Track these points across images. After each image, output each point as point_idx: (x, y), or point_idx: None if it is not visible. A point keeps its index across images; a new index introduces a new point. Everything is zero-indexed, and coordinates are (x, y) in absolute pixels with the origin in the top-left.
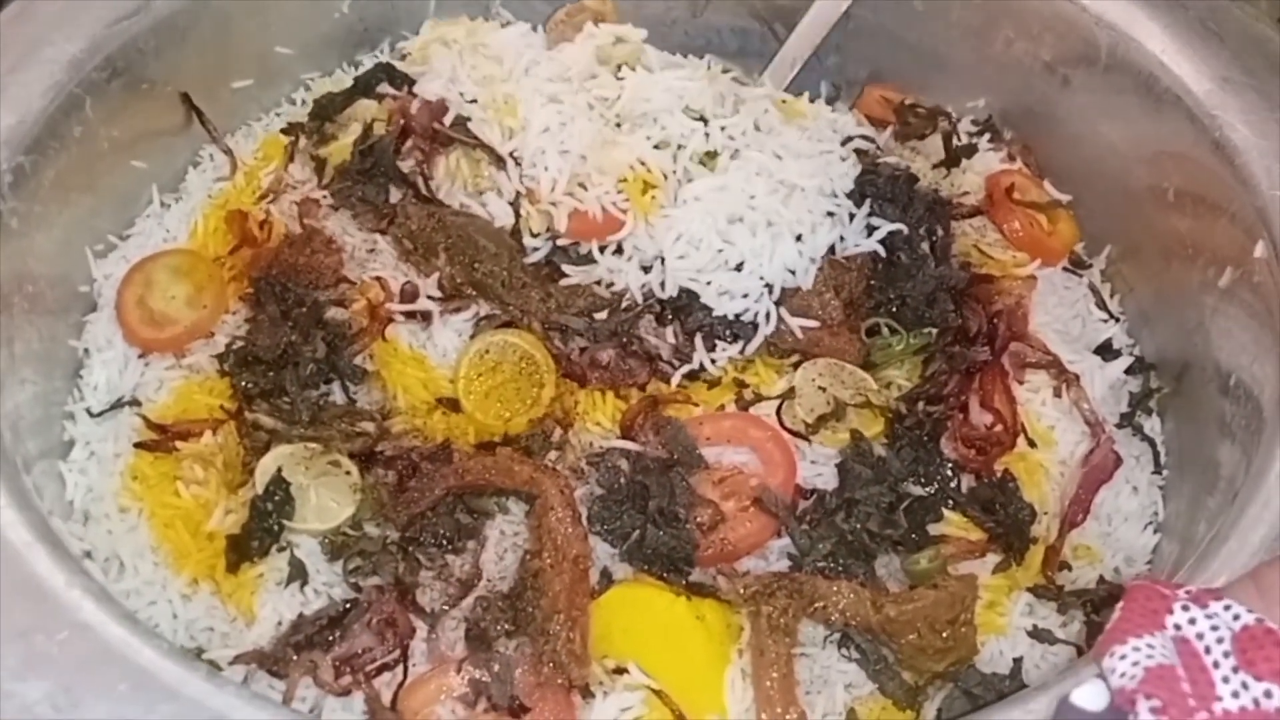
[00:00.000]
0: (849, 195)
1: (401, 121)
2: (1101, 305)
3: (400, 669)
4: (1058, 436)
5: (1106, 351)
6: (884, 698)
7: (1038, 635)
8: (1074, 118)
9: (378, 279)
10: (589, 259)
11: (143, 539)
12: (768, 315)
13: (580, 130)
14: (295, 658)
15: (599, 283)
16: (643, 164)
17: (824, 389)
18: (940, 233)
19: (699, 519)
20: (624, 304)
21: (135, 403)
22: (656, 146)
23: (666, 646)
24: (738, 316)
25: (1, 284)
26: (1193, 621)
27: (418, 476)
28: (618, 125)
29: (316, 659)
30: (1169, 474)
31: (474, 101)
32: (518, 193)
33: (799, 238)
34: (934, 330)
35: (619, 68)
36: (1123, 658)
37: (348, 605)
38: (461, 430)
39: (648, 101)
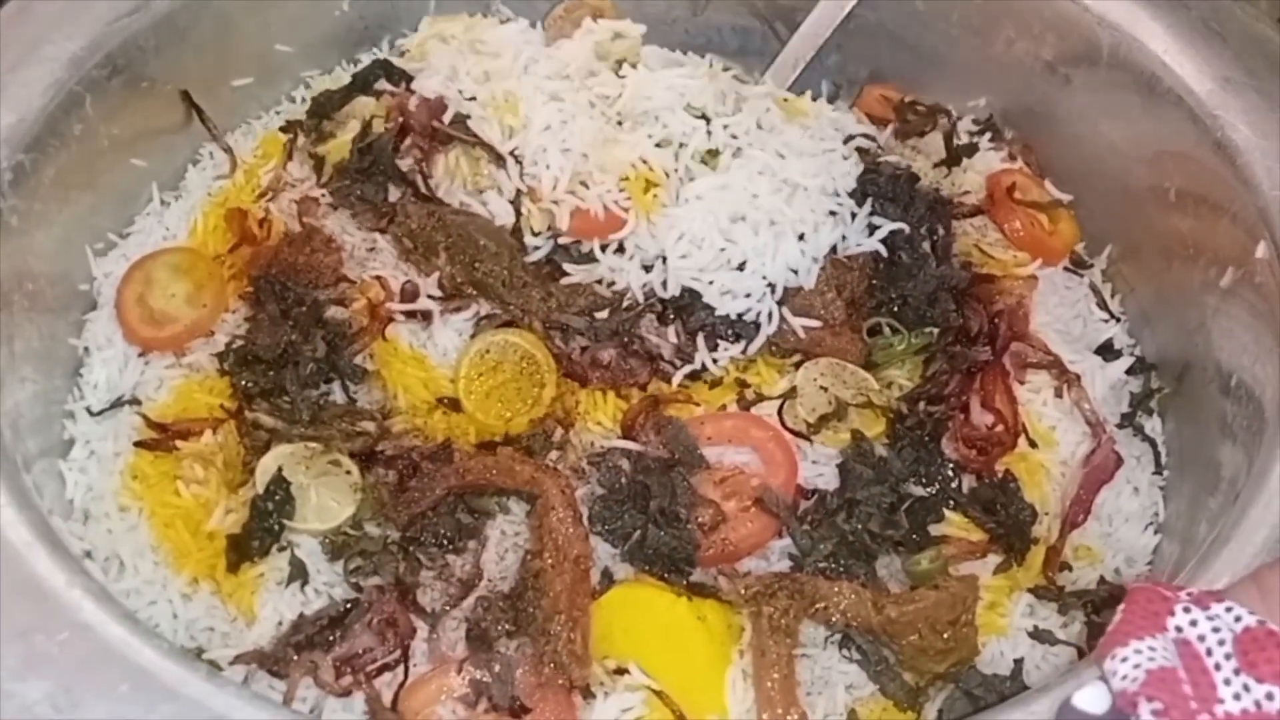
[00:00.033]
0: (851, 194)
1: (400, 119)
2: (1102, 305)
3: (401, 669)
4: (1059, 437)
5: (1107, 352)
6: (885, 699)
7: (1038, 636)
8: (1075, 117)
9: (378, 278)
10: (590, 258)
11: (143, 538)
12: (770, 315)
13: (581, 128)
14: (296, 658)
15: (600, 282)
16: (644, 162)
17: (825, 389)
18: (941, 232)
19: (700, 519)
20: (625, 303)
21: (135, 401)
22: (658, 145)
23: (667, 647)
24: (740, 316)
25: (1, 282)
26: (1194, 623)
27: (418, 476)
28: (619, 123)
29: (317, 659)
30: (1170, 474)
31: (473, 99)
32: (518, 191)
33: (801, 237)
34: (935, 330)
35: (619, 65)
36: (1124, 660)
37: (348, 605)
38: (462, 430)
39: (649, 99)
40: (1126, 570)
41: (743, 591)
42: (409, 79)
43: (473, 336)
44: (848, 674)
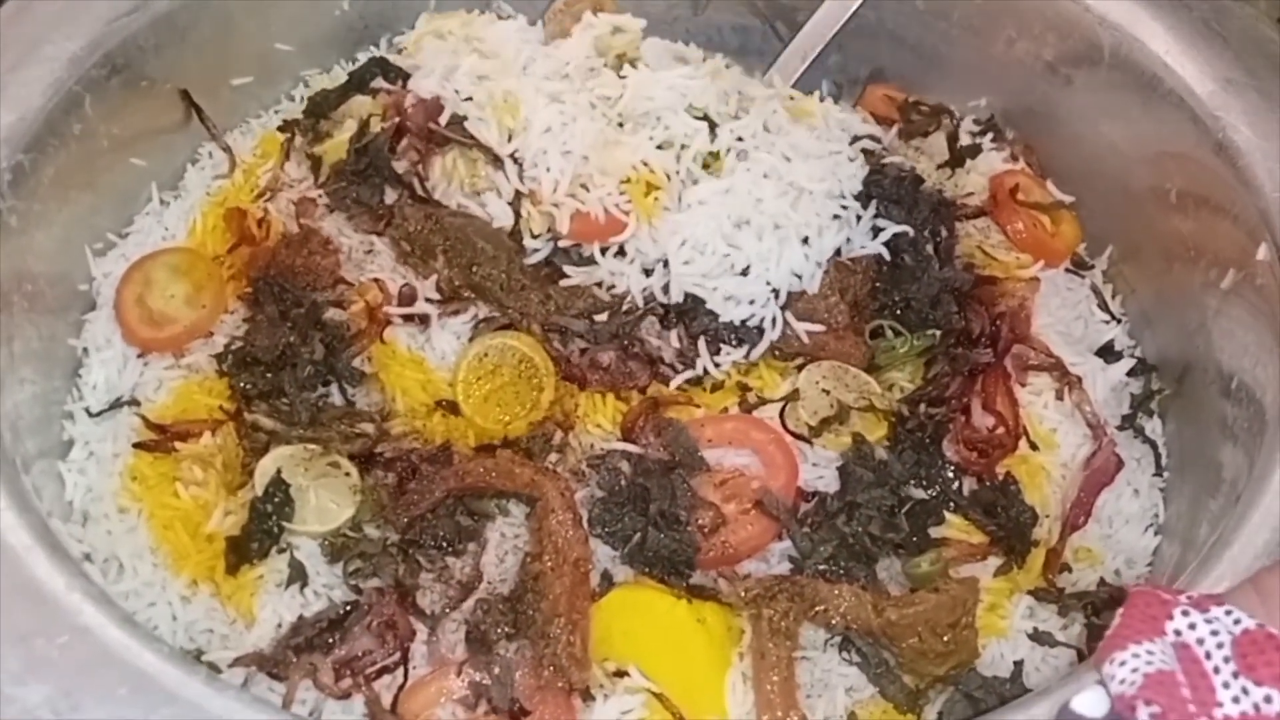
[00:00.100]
0: (856, 197)
1: (396, 118)
2: (1104, 307)
3: (400, 671)
4: (1059, 439)
5: (1108, 353)
6: (885, 701)
7: (1039, 638)
8: (1076, 118)
9: (376, 281)
10: (590, 260)
11: (142, 540)
12: (774, 320)
13: (582, 130)
14: (295, 660)
15: (599, 284)
16: (645, 165)
17: (828, 392)
18: (944, 234)
19: (700, 521)
20: (625, 307)
21: (134, 402)
22: (659, 147)
23: (667, 649)
24: (743, 322)
25: (1, 282)
26: (1193, 627)
27: (418, 478)
28: (620, 125)
29: (316, 661)
30: (1170, 476)
31: (469, 99)
32: (517, 193)
33: (805, 240)
34: (937, 332)
35: (619, 63)
36: (1122, 664)
37: (348, 607)
38: (461, 433)
39: (650, 100)
40: (1127, 572)
41: (743, 594)
42: (405, 76)
43: (471, 340)
44: (848, 676)
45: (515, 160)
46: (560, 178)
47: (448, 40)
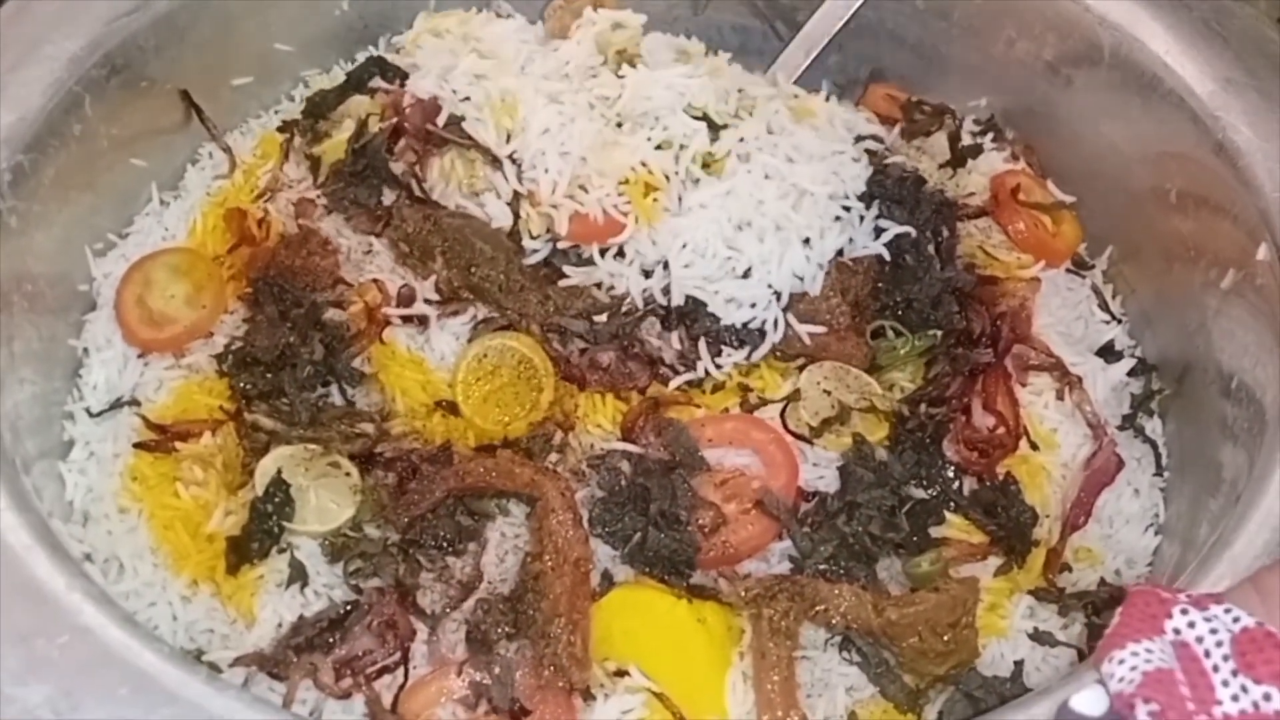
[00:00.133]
0: (859, 197)
1: (394, 119)
2: (1104, 307)
3: (401, 671)
4: (1060, 439)
5: (1109, 353)
6: (885, 701)
7: (1039, 638)
8: (1076, 118)
9: (375, 281)
10: (589, 261)
11: (142, 540)
12: (776, 322)
13: (581, 131)
14: (295, 660)
15: (599, 285)
16: (644, 165)
17: (829, 392)
18: (946, 234)
19: (700, 521)
20: (624, 308)
21: (135, 403)
22: (658, 147)
23: (667, 649)
24: (745, 324)
25: (1, 283)
26: (1192, 625)
27: (418, 478)
28: (619, 125)
29: (317, 661)
30: (1170, 476)
31: (467, 99)
32: (515, 193)
33: (806, 241)
34: (939, 332)
35: (620, 63)
36: (1121, 662)
37: (348, 607)
38: (461, 433)
39: (648, 100)
40: (1127, 572)
41: (743, 594)
42: (403, 76)
43: (470, 340)
44: (848, 676)
45: (514, 161)
46: (559, 179)
47: (445, 39)
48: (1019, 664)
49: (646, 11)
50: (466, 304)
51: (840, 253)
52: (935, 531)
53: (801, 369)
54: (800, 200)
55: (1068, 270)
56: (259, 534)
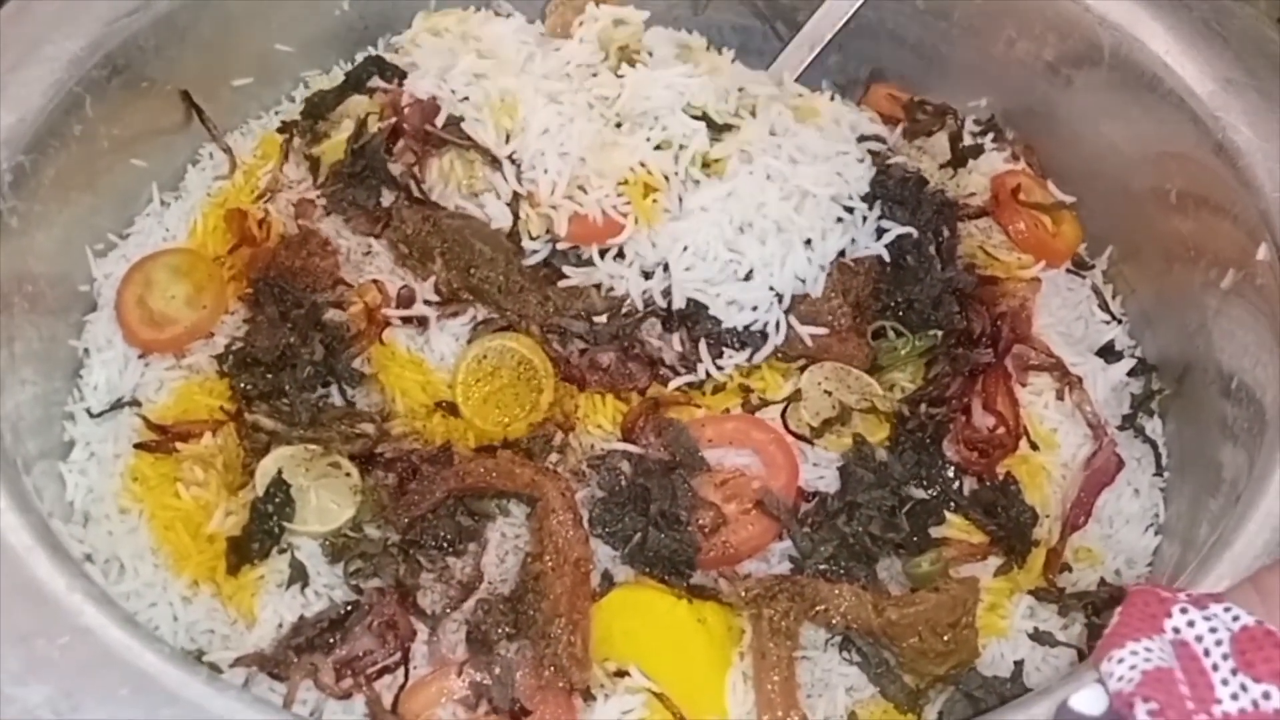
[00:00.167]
0: (863, 198)
1: (393, 119)
2: (1104, 307)
3: (401, 671)
4: (1060, 439)
5: (1109, 353)
6: (885, 701)
7: (1039, 638)
8: (1076, 118)
9: (375, 282)
10: (589, 262)
11: (143, 541)
12: (778, 325)
13: (580, 131)
14: (296, 660)
15: (598, 287)
16: (643, 166)
17: (830, 393)
18: (946, 234)
19: (701, 521)
20: (625, 310)
21: (135, 403)
22: (658, 147)
23: (668, 649)
24: (747, 327)
25: (1, 283)
26: (1191, 624)
27: (418, 479)
28: (618, 125)
29: (317, 661)
30: (1170, 476)
31: (465, 99)
32: (515, 194)
33: (808, 243)
34: (939, 333)
35: (621, 59)
36: (1120, 661)
37: (349, 607)
38: (461, 433)
39: (647, 99)
40: (1127, 572)
41: (743, 594)
42: (402, 75)
43: (469, 341)
44: (848, 676)
45: (513, 161)
46: (558, 180)
47: (444, 38)
48: (1019, 664)
49: (646, 11)
50: (466, 305)
51: (842, 253)
52: (935, 531)
53: (802, 370)
54: (803, 201)
55: (1068, 270)
56: (259, 534)
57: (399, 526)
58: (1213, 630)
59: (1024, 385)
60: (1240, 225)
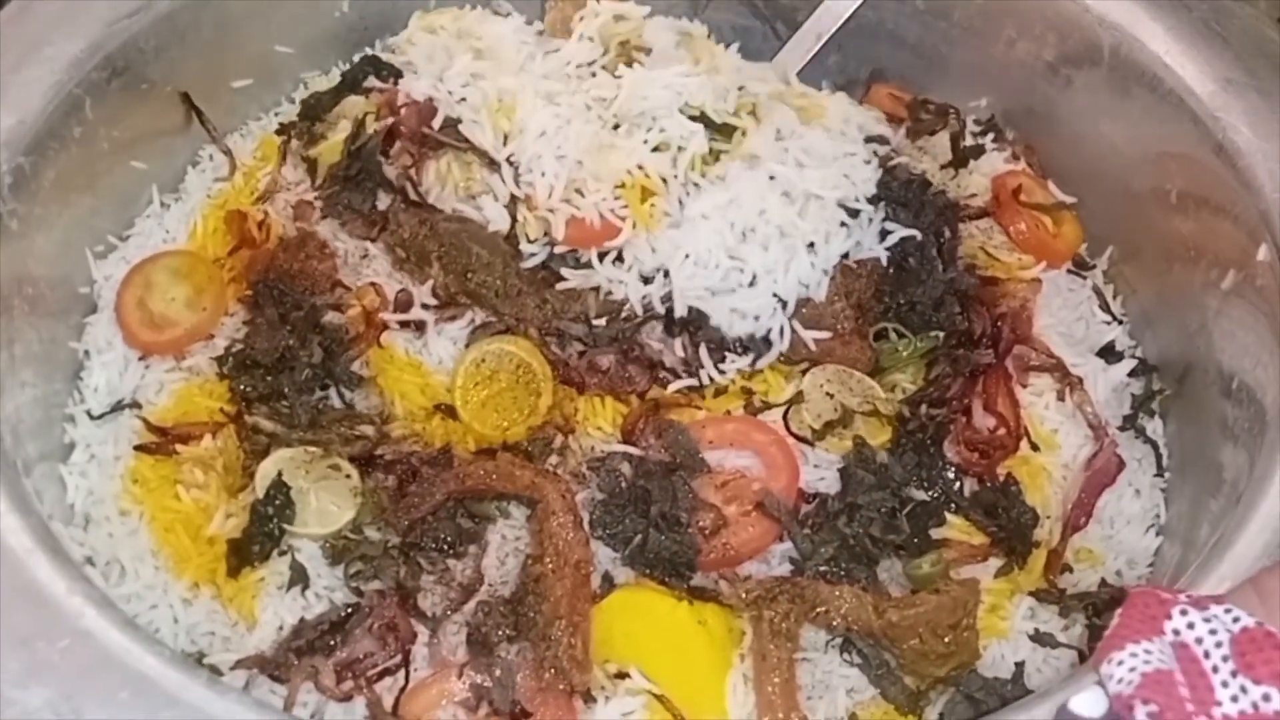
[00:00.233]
0: (869, 200)
1: (390, 119)
2: (1105, 307)
3: (402, 674)
4: (1060, 440)
5: (1109, 354)
6: (886, 703)
7: (1040, 639)
8: (1076, 118)
9: (372, 285)
10: (588, 265)
11: (143, 543)
12: (781, 331)
13: (577, 133)
14: (296, 663)
15: (596, 290)
16: (640, 169)
17: (832, 395)
18: (948, 235)
19: (701, 523)
20: (624, 314)
21: (135, 405)
22: (656, 149)
23: (668, 651)
24: (751, 334)
25: (1, 286)
26: (1191, 626)
27: (418, 481)
28: (615, 127)
29: (318, 664)
30: (1171, 476)
31: (463, 100)
32: (513, 196)
33: (811, 246)
34: (941, 334)
35: (620, 57)
36: (1120, 664)
37: (349, 610)
38: (461, 435)
39: (645, 99)
40: (1128, 573)
41: (744, 595)
42: (398, 75)
43: (468, 345)
44: (849, 678)
45: (511, 164)
46: (555, 182)
47: (439, 35)
48: (1020, 665)
49: (647, 7)
50: (464, 308)
51: (845, 255)
52: (936, 533)
53: (805, 372)
54: (807, 205)
55: (1069, 271)
56: (260, 536)
57: (399, 528)
58: (1213, 632)
59: (1025, 386)
60: (1240, 226)
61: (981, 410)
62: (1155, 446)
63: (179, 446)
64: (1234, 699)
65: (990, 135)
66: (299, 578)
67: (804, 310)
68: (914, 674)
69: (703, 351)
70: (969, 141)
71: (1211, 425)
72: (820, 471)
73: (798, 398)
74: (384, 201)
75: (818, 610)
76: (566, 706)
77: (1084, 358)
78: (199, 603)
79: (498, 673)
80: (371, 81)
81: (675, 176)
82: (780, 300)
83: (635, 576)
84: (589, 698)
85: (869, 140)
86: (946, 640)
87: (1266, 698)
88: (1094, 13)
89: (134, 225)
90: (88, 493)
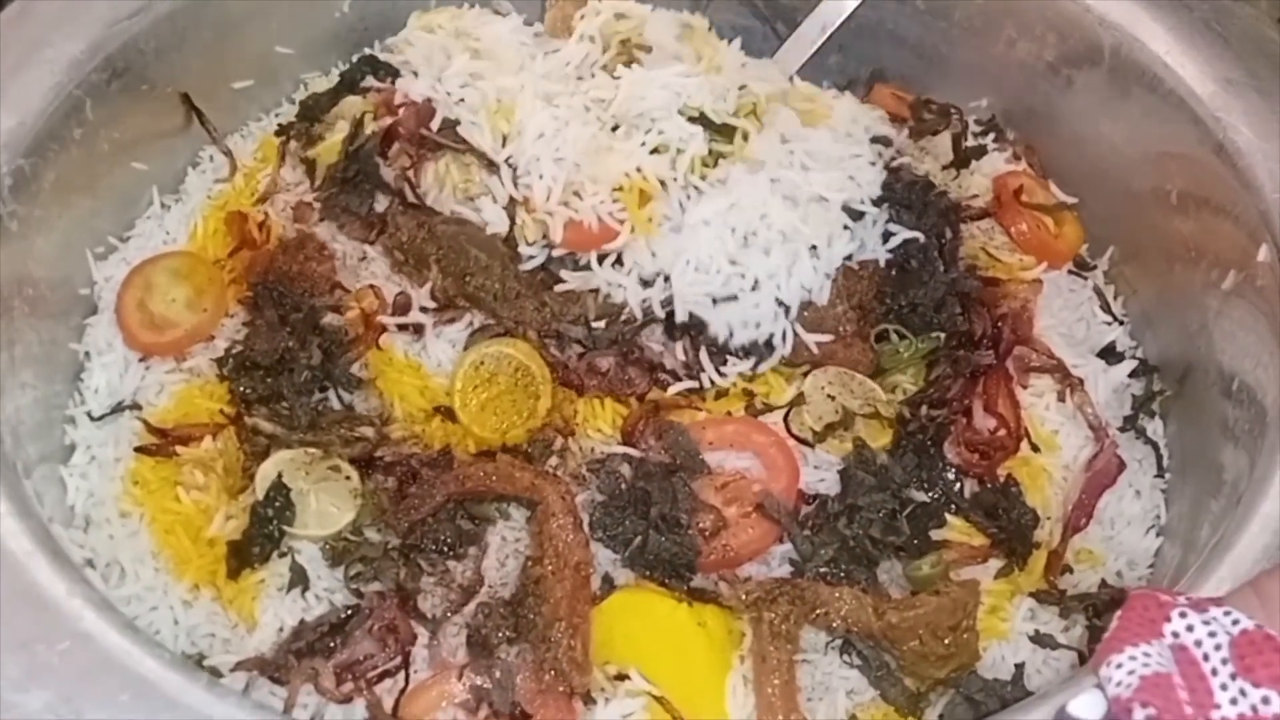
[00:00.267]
0: (874, 202)
1: (388, 119)
2: (1105, 308)
3: (402, 676)
4: (1061, 441)
5: (1110, 355)
6: (886, 704)
7: (1040, 640)
8: (1077, 118)
9: (372, 287)
10: (587, 267)
11: (143, 544)
12: (784, 335)
13: (575, 136)
14: (296, 664)
15: (595, 292)
16: (639, 171)
17: (833, 397)
18: (950, 236)
19: (701, 525)
20: (624, 317)
21: (136, 406)
22: (654, 151)
23: (668, 652)
24: (753, 340)
25: (2, 287)
26: (1190, 629)
27: (418, 482)
28: (614, 129)
29: (318, 666)
30: (1171, 477)
31: (461, 101)
32: (511, 198)
33: (814, 249)
34: (942, 335)
35: (620, 55)
36: (1119, 666)
37: (349, 611)
38: (460, 437)
39: (643, 100)
40: (1128, 574)
41: (743, 597)
42: (395, 74)
43: (466, 348)
44: (849, 679)
45: (509, 166)
46: (553, 185)
47: (437, 34)
48: (1020, 667)
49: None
50: (462, 311)
51: (848, 257)
52: (936, 534)
53: (806, 374)
54: (809, 208)
55: (1069, 272)
56: (260, 538)
57: (399, 530)
58: (1212, 635)
59: (1025, 387)
60: (1241, 226)
61: (982, 411)
62: (1156, 447)
63: (179, 448)
64: (1233, 702)
65: (991, 135)
66: (299, 579)
67: (806, 313)
68: (914, 675)
69: (704, 355)
70: (970, 142)
71: (1212, 426)
72: (820, 473)
73: (799, 400)
74: (382, 204)
75: (818, 612)
76: (566, 708)
77: (1085, 358)
78: (199, 604)
79: (498, 674)
80: (369, 81)
81: (674, 179)
82: (783, 305)
83: (635, 578)
84: (589, 699)
85: (874, 141)
86: (946, 642)
87: (1266, 701)
88: (1094, 13)
89: (134, 226)
90: (88, 494)
